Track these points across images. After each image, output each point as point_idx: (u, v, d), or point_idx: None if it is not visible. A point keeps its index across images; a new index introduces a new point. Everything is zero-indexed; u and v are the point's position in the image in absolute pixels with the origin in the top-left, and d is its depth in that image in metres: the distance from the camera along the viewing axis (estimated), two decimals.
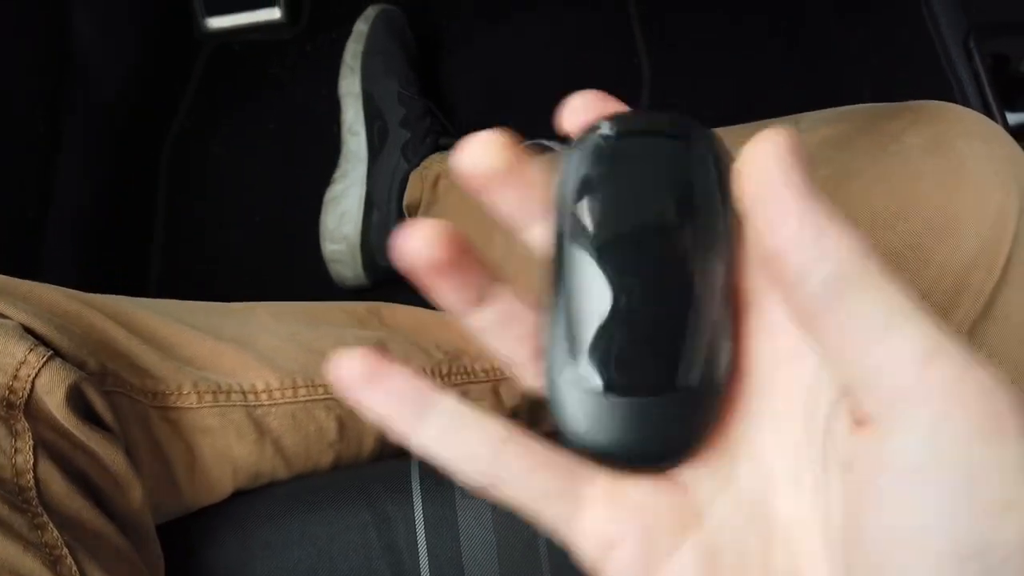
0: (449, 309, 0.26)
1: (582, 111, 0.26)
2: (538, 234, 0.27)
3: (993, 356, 0.45)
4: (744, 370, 0.26)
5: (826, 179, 0.51)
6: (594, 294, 0.25)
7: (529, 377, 0.27)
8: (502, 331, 0.27)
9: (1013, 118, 0.68)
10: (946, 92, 0.69)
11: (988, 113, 0.67)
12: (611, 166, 0.25)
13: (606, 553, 0.25)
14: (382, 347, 0.26)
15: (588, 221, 0.25)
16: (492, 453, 0.26)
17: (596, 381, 0.25)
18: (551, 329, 0.25)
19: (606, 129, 0.26)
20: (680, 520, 0.25)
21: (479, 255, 0.26)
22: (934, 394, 0.21)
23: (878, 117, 0.53)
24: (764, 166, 0.22)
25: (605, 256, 0.25)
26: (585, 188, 0.25)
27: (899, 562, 0.21)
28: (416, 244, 0.24)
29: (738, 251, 0.25)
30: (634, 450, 0.25)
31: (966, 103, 0.67)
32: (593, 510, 0.26)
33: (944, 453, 0.20)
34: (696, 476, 0.26)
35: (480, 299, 0.26)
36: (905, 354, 0.21)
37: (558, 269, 0.26)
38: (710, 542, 0.25)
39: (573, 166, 0.26)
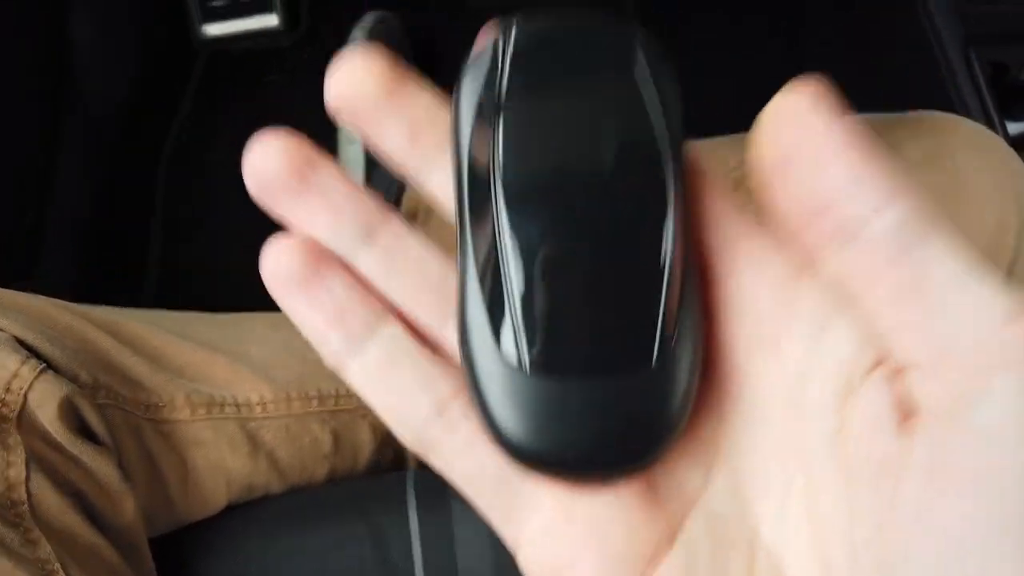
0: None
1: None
2: (439, 181, 0.22)
3: None
4: (715, 358, 0.21)
5: None
6: (517, 250, 0.19)
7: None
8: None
9: (1013, 128, 0.68)
10: (946, 101, 0.69)
11: (988, 123, 0.67)
12: (523, 82, 0.20)
13: None
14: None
15: (496, 158, 0.19)
16: (434, 410, 0.21)
17: (524, 359, 0.19)
18: (465, 298, 0.20)
19: (511, 33, 0.20)
20: (648, 540, 0.21)
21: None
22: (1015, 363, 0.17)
23: (880, 127, 0.53)
24: (798, 116, 0.19)
25: (524, 200, 0.19)
26: (488, 115, 0.20)
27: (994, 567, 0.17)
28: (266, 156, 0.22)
29: (695, 205, 0.21)
30: (578, 451, 0.19)
31: (967, 113, 0.67)
32: (539, 518, 0.22)
33: None
34: (667, 485, 0.21)
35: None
36: (990, 312, 0.17)
37: (465, 221, 0.20)
38: (684, 567, 0.21)
39: (470, 87, 0.20)
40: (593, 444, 0.19)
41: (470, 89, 0.20)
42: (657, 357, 0.19)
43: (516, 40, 0.20)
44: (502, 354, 0.19)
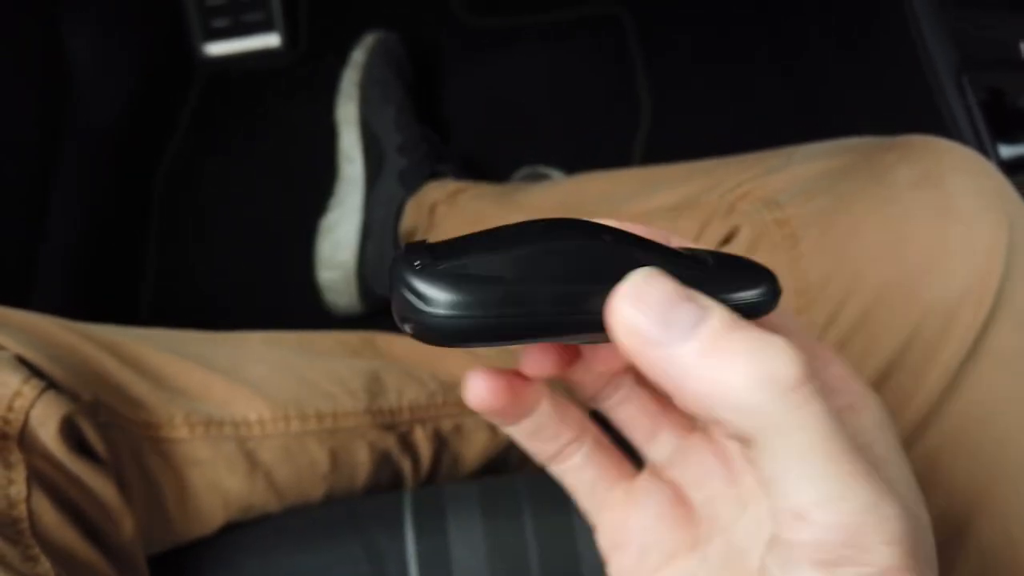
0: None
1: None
2: None
3: (982, 393, 0.45)
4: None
5: (819, 212, 0.52)
6: None
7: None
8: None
9: (1008, 152, 0.69)
10: (939, 125, 0.70)
11: (981, 148, 0.67)
12: None
13: (610, 553, 0.29)
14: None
15: None
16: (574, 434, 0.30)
17: None
18: None
19: None
20: (674, 541, 0.28)
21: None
22: (792, 551, 0.21)
23: (870, 151, 0.54)
24: (625, 341, 0.22)
25: None
26: None
27: None
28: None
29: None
30: None
31: (959, 137, 0.68)
32: (612, 512, 0.30)
33: None
34: (705, 511, 0.28)
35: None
36: (777, 506, 0.22)
37: None
38: (693, 570, 0.28)
39: None
40: None
41: None
42: None
43: None
44: None
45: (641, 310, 0.22)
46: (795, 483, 0.21)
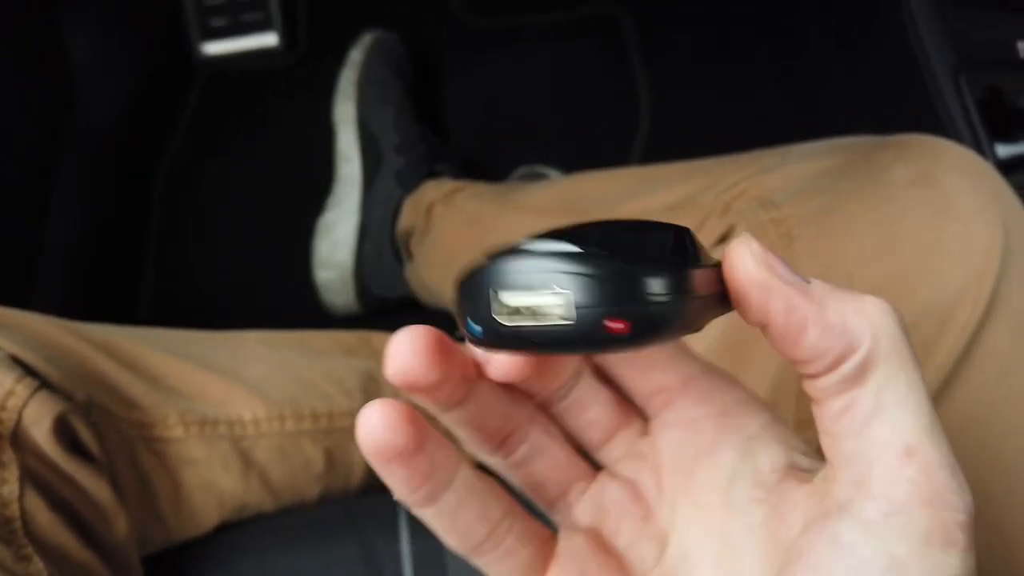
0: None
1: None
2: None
3: (976, 393, 0.45)
4: (668, 464, 0.27)
5: (815, 211, 0.52)
6: None
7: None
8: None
9: (1004, 151, 0.69)
10: (936, 125, 0.70)
11: (978, 147, 0.67)
12: None
13: None
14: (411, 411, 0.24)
15: None
16: (487, 531, 0.26)
17: None
18: None
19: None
20: None
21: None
22: (897, 490, 0.21)
23: (867, 150, 0.54)
24: (757, 275, 0.23)
25: None
26: None
27: None
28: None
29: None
30: None
31: (956, 137, 0.68)
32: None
33: (885, 547, 0.21)
34: (630, 554, 0.27)
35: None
36: (890, 445, 0.22)
37: None
38: None
39: None
40: None
41: None
42: None
43: None
44: None
45: (770, 256, 0.23)
46: (906, 416, 0.22)
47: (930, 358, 0.45)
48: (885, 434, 0.22)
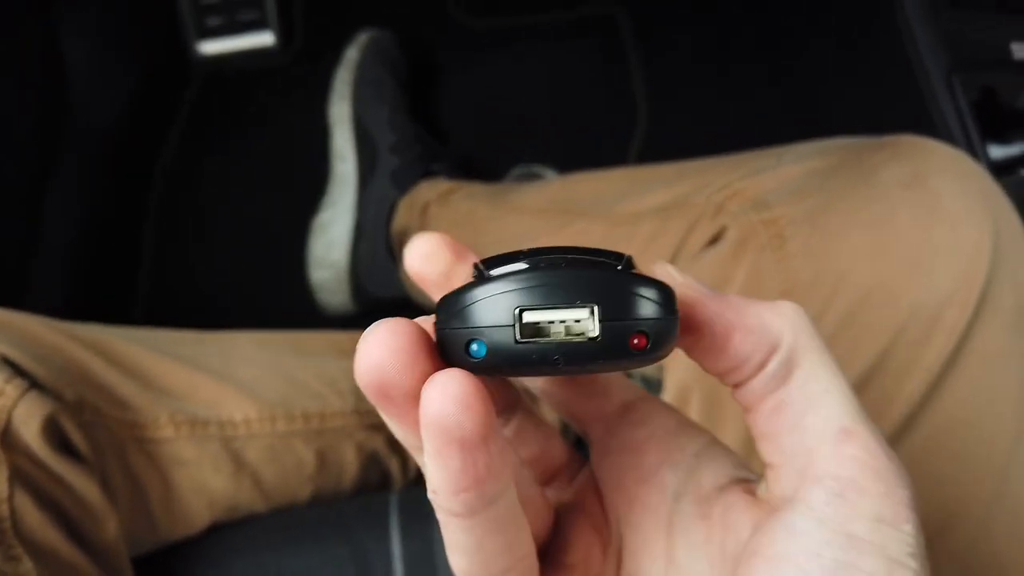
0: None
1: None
2: None
3: (965, 396, 0.45)
4: (615, 489, 0.27)
5: (807, 212, 0.52)
6: None
7: None
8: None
9: (997, 152, 0.68)
10: (929, 127, 0.70)
11: (971, 148, 0.67)
12: None
13: None
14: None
15: None
16: (506, 566, 0.23)
17: None
18: None
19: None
20: None
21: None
22: (841, 469, 0.22)
23: (859, 150, 0.53)
24: (687, 292, 0.23)
25: None
26: None
27: None
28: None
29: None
30: None
31: (949, 138, 0.68)
32: None
33: (839, 527, 0.22)
34: (582, 567, 0.27)
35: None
36: (826, 431, 0.23)
37: None
38: None
39: None
40: None
41: None
42: None
43: None
44: None
45: (688, 276, 0.24)
46: (836, 402, 0.23)
47: (919, 360, 0.45)
48: (820, 422, 0.23)
